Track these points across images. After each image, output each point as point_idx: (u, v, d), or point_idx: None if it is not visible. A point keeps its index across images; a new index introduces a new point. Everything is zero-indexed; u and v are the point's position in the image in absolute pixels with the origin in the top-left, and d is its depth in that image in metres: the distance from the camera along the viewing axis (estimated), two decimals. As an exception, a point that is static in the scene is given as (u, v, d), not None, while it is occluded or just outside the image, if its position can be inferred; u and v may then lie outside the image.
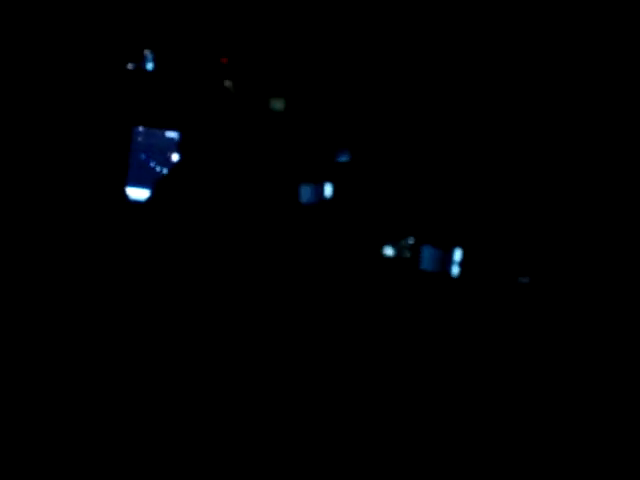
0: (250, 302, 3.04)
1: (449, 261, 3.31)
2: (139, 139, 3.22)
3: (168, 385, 2.76)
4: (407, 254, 3.27)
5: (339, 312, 3.12)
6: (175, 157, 3.24)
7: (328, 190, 3.33)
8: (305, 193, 3.32)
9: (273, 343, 2.98)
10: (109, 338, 2.82)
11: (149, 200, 3.16)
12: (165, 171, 3.23)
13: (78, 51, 3.12)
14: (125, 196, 3.18)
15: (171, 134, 3.25)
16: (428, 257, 3.32)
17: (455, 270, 3.31)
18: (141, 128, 3.22)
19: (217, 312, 2.99)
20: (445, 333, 3.14)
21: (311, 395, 2.85)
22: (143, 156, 3.21)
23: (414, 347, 3.09)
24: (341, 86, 3.44)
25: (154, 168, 3.22)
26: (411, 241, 3.20)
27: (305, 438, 2.70)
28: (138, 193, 3.20)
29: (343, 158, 3.37)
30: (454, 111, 3.41)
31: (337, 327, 3.07)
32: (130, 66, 3.15)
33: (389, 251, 3.26)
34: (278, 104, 3.38)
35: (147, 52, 3.20)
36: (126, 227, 3.08)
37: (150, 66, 3.22)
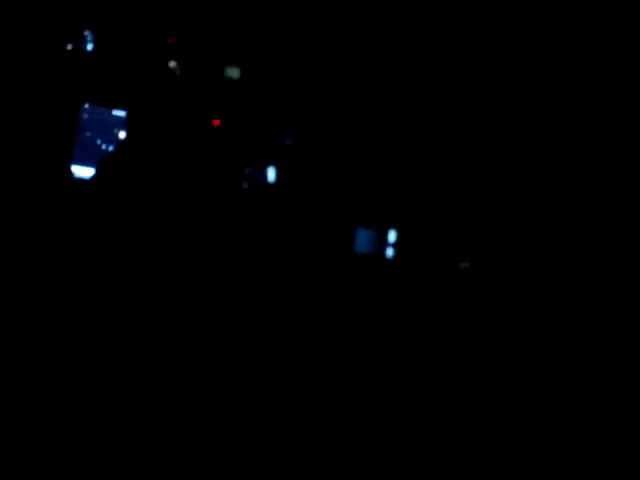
0: (189, 282, 3.12)
1: (384, 243, 3.43)
2: (85, 116, 3.20)
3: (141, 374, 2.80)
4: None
5: (278, 295, 3.22)
6: (122, 135, 3.24)
7: (271, 174, 3.40)
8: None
9: (205, 319, 3.05)
10: (51, 322, 2.87)
11: (94, 178, 3.17)
12: (111, 149, 3.23)
13: (19, 30, 3.07)
14: (70, 174, 3.18)
15: (118, 112, 3.24)
16: (363, 239, 3.43)
17: (390, 252, 3.43)
18: (87, 105, 3.20)
19: (159, 291, 3.06)
20: (382, 315, 3.25)
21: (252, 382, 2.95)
22: (89, 134, 3.20)
23: (352, 329, 3.19)
24: (286, 74, 3.48)
25: (100, 146, 3.21)
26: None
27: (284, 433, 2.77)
28: (84, 171, 3.20)
29: (287, 142, 3.43)
30: (388, 95, 3.48)
31: (276, 310, 3.18)
32: (70, 46, 3.13)
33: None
34: (234, 72, 3.37)
35: (87, 32, 3.17)
36: (71, 206, 3.09)
37: (90, 46, 3.20)
